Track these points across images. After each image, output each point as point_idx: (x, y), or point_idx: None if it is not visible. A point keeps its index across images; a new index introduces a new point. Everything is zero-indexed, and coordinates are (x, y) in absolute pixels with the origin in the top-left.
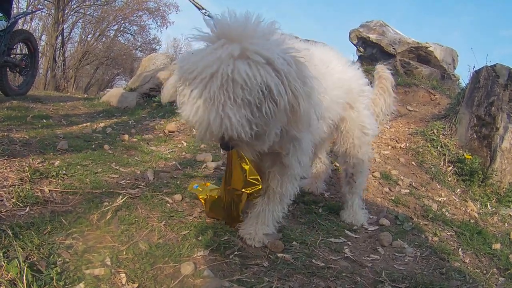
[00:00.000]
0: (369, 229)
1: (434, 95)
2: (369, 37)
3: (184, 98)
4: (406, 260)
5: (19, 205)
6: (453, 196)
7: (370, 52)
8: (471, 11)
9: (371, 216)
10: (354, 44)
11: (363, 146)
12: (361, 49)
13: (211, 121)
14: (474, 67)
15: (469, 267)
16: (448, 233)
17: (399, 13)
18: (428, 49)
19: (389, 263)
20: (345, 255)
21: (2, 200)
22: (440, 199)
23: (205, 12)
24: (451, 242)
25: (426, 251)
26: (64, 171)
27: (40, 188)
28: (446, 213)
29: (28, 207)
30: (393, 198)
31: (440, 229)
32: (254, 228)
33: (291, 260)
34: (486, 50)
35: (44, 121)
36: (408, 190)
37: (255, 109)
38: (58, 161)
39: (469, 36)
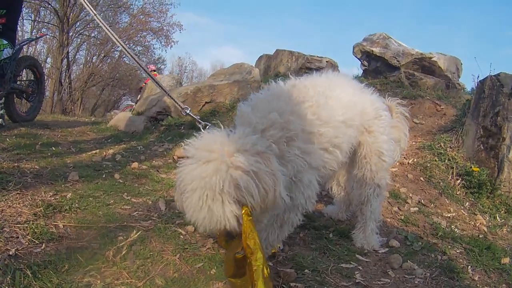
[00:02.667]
0: (379, 251)
1: (440, 106)
2: (372, 50)
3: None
4: (416, 282)
5: (34, 242)
6: (462, 211)
7: (375, 65)
8: (472, 17)
9: (381, 238)
10: (358, 59)
11: (379, 171)
12: (365, 63)
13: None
14: (478, 77)
15: (478, 285)
16: (458, 251)
17: (400, 23)
18: (432, 59)
19: (399, 286)
20: (356, 281)
21: (18, 237)
22: (449, 215)
23: (186, 109)
24: (461, 260)
25: (435, 271)
26: (76, 204)
27: (55, 223)
28: (455, 230)
29: (44, 244)
30: (402, 217)
31: (449, 246)
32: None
33: None
34: (490, 53)
35: (53, 148)
36: (417, 208)
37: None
38: (70, 194)
39: (471, 42)
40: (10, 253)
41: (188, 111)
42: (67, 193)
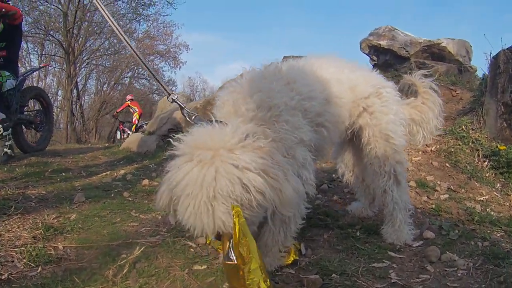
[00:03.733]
0: (413, 245)
1: (455, 91)
2: (380, 44)
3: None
4: (459, 275)
5: (30, 265)
6: (495, 192)
7: (384, 59)
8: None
9: (414, 230)
10: (366, 54)
11: (390, 157)
12: (374, 58)
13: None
14: (490, 53)
15: None
16: (498, 235)
17: (403, 15)
18: (441, 45)
19: (441, 282)
20: (392, 281)
21: (13, 261)
22: (482, 198)
23: (172, 95)
24: (503, 244)
25: (478, 259)
26: (80, 225)
27: (54, 245)
28: (492, 213)
29: (40, 267)
30: (433, 206)
31: (488, 231)
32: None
33: None
34: (498, 35)
35: (63, 174)
36: (448, 195)
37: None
38: (75, 215)
39: (477, 26)
40: (3, 277)
41: (175, 97)
42: (71, 215)
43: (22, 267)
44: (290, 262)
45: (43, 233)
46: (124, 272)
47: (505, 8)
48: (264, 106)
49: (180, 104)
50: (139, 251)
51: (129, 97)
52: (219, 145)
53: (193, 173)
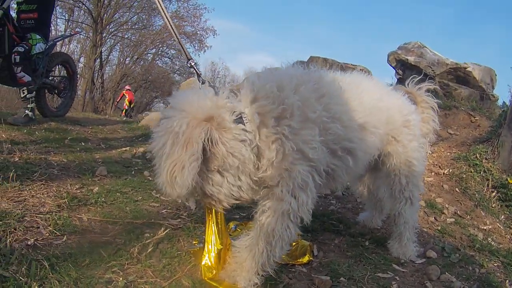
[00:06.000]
0: (416, 262)
1: (474, 117)
2: (407, 59)
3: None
4: None
5: (56, 233)
6: (498, 224)
7: (409, 74)
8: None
9: (419, 248)
10: (392, 67)
11: (410, 183)
12: (400, 72)
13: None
14: None
15: None
16: (495, 264)
17: (431, 34)
18: (467, 69)
19: None
20: None
21: (39, 228)
22: (485, 227)
23: (192, 61)
24: (498, 274)
25: (473, 284)
26: (103, 199)
27: (79, 216)
28: (492, 243)
29: (65, 236)
30: (439, 228)
31: (487, 259)
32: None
33: None
34: None
35: (83, 144)
36: (454, 219)
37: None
38: (97, 188)
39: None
40: (29, 243)
41: (193, 64)
42: (94, 187)
43: (48, 234)
44: (305, 261)
45: (67, 203)
46: (148, 251)
47: None
48: (270, 98)
49: (197, 71)
50: (163, 233)
51: (127, 87)
52: (195, 111)
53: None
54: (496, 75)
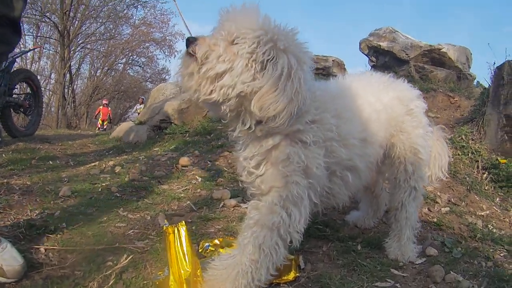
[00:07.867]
0: (416, 263)
1: (454, 98)
2: (380, 45)
3: None
4: None
5: None
6: (495, 207)
7: (383, 60)
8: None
9: (417, 246)
10: (365, 54)
11: (416, 171)
12: (373, 59)
13: None
14: (494, 63)
15: None
16: (501, 254)
17: (403, 20)
18: (441, 50)
19: None
20: None
21: None
22: (483, 213)
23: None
24: (506, 265)
25: (483, 281)
26: (64, 224)
27: (36, 246)
28: (494, 230)
29: None
30: (435, 220)
31: (491, 250)
32: None
33: None
34: (495, 47)
35: (50, 162)
36: (449, 208)
37: None
38: (59, 211)
39: (475, 36)
40: None
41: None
42: (55, 211)
43: None
44: (291, 278)
45: (24, 232)
46: (110, 284)
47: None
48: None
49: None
50: (126, 260)
51: (104, 101)
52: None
53: None
54: (471, 53)
